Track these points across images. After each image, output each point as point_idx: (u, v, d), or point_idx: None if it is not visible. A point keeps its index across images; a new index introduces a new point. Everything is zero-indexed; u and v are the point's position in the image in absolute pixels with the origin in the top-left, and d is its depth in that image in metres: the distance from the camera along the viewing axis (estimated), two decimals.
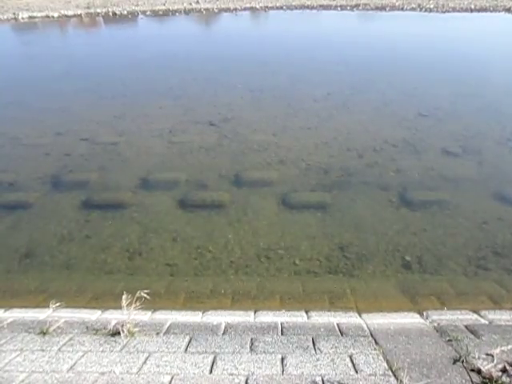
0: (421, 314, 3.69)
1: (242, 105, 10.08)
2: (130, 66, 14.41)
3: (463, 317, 3.59)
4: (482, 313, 3.68)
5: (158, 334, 3.26)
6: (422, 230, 5.26)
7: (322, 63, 14.10)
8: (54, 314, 3.64)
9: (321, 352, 3.00)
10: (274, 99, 10.40)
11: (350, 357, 2.95)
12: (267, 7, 31.46)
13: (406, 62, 14.10)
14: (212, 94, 11.02)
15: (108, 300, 4.10)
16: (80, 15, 29.27)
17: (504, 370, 2.72)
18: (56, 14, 28.83)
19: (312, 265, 4.71)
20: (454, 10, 28.05)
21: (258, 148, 7.67)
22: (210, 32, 23.06)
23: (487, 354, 2.91)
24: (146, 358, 2.96)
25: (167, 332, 3.29)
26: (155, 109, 9.92)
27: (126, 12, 30.00)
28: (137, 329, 3.27)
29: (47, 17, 28.49)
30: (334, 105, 9.90)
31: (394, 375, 2.75)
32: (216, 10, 30.76)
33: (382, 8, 29.61)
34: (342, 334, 3.24)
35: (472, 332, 3.25)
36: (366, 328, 3.35)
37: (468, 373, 2.74)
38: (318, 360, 2.91)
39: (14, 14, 28.48)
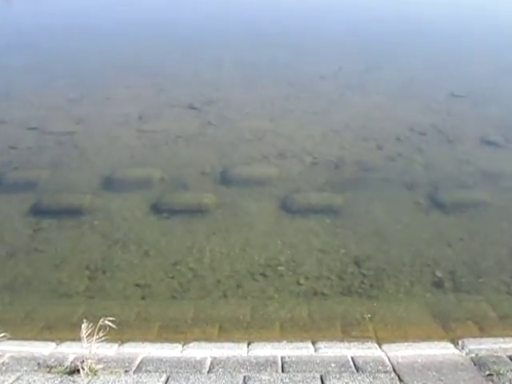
0: (455, 344, 3.73)
1: (231, 83, 10.10)
2: (88, 36, 14.36)
3: (507, 346, 3.63)
4: None
5: (126, 371, 3.27)
6: (457, 239, 5.31)
7: (330, 31, 14.15)
8: None
9: None
10: (270, 76, 10.43)
11: None
12: None
13: (434, 30, 14.17)
14: (192, 69, 11.03)
15: (64, 330, 4.10)
16: None
17: None
18: None
19: (320, 284, 4.74)
20: None
21: (250, 137, 7.70)
22: None
23: None
24: None
25: (138, 369, 3.30)
26: (121, 89, 9.91)
27: None
28: (100, 366, 3.27)
29: None
30: (346, 83, 9.95)
31: None
32: None
33: None
34: (357, 370, 3.27)
35: None
36: (387, 362, 3.38)
37: None
38: None
39: None
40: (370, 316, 4.27)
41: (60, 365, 3.34)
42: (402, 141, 7.48)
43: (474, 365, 3.33)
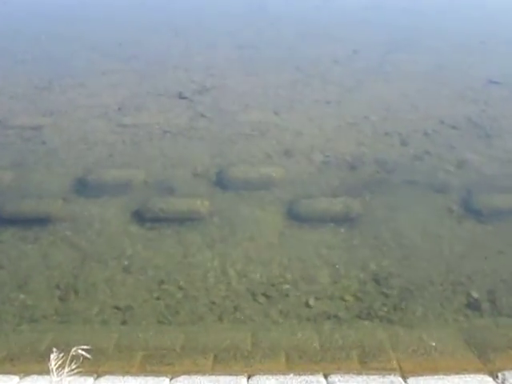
0: (494, 377, 3.72)
1: (228, 68, 10.12)
2: (59, 14, 14.40)
3: None
4: None
5: None
6: (496, 253, 5.30)
7: (344, 7, 14.17)
8: None
9: None
10: (274, 59, 10.45)
11: None
12: None
13: (466, 6, 14.19)
14: (182, 51, 11.05)
15: (30, 361, 4.08)
16: None
17: None
18: None
19: (333, 306, 4.73)
20: None
21: (251, 132, 7.70)
22: None
23: None
24: None
25: None
26: (97, 75, 9.92)
27: None
28: None
29: None
30: (363, 67, 9.97)
31: None
32: None
33: None
34: None
35: None
36: None
37: None
38: None
39: None
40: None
41: None
42: (430, 136, 7.48)
43: None
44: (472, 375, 3.78)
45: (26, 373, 3.86)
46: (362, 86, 9.17)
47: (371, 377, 3.78)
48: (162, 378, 3.78)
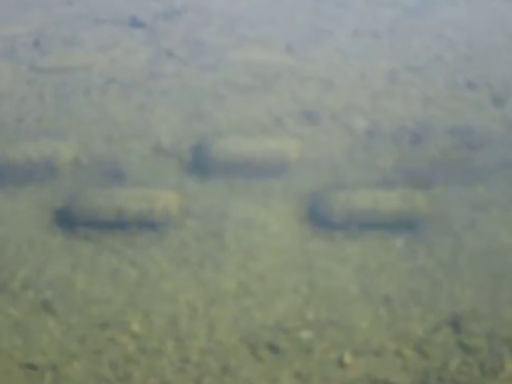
0: None
1: None
2: None
3: None
4: None
5: None
6: None
7: None
8: None
9: None
10: None
11: None
12: None
13: None
14: None
15: None
16: None
17: None
18: None
19: (383, 366, 4.74)
20: None
21: (250, 82, 7.71)
22: None
23: None
24: None
25: None
26: None
27: None
28: None
29: None
30: None
31: None
32: None
33: None
34: None
35: None
36: None
37: None
38: None
39: None
40: None
41: None
42: None
43: None
44: None
45: None
46: (430, 7, 9.18)
47: None
48: None
